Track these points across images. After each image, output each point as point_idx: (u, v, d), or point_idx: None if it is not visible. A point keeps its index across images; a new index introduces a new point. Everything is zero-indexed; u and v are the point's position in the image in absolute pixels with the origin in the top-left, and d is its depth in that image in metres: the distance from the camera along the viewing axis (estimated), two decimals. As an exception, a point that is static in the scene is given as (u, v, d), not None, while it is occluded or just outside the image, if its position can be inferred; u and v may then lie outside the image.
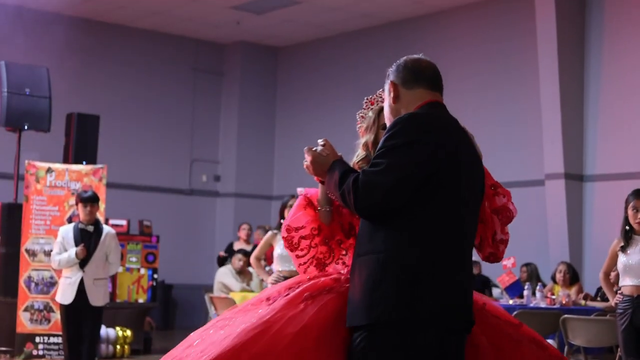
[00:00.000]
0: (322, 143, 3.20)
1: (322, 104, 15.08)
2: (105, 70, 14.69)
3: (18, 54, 12.23)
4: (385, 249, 2.93)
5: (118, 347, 10.46)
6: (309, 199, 3.43)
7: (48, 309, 9.61)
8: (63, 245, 7.92)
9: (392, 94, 3.18)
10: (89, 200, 7.93)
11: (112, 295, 10.60)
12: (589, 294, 9.67)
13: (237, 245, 12.68)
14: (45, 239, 9.57)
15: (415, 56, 3.23)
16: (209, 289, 11.90)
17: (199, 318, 13.15)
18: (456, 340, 2.99)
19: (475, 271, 11.43)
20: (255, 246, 9.90)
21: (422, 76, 3.16)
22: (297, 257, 3.42)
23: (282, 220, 7.53)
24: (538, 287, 9.36)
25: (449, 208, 2.96)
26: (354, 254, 3.09)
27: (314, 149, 3.19)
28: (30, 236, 9.63)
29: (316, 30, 14.85)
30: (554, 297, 9.23)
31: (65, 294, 7.84)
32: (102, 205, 9.27)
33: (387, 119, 3.22)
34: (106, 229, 8.12)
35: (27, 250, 9.60)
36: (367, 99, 3.62)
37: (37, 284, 9.59)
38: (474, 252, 3.22)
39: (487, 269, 11.60)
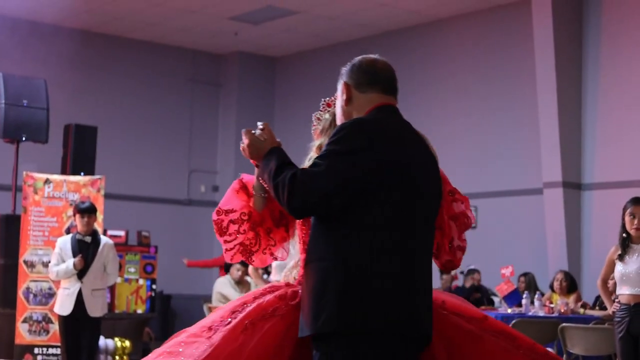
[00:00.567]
0: (261, 127, 3.12)
1: (320, 114, 15.07)
2: (103, 82, 14.71)
3: (15, 66, 12.25)
4: (329, 257, 2.86)
5: (117, 357, 10.45)
6: (243, 184, 3.33)
7: (47, 320, 9.59)
8: (61, 256, 7.92)
9: (344, 96, 3.12)
10: (87, 211, 7.93)
11: (111, 306, 10.59)
12: (587, 303, 9.67)
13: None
14: (44, 250, 9.56)
15: (371, 57, 3.15)
16: (208, 299, 11.88)
17: (197, 328, 13.12)
18: (411, 349, 2.90)
19: (474, 281, 11.43)
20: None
21: (376, 79, 3.08)
22: (225, 242, 3.31)
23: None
24: (536, 296, 9.34)
25: (395, 215, 2.88)
26: (304, 261, 3.01)
27: (252, 131, 3.11)
28: (29, 247, 9.62)
29: (314, 40, 14.87)
30: (552, 305, 9.22)
31: (63, 305, 7.84)
32: (100, 216, 9.27)
33: (339, 119, 3.16)
34: (104, 239, 8.12)
35: (25, 262, 9.59)
36: (324, 100, 3.53)
37: (35, 295, 9.57)
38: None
39: (486, 278, 11.61)
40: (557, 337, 8.00)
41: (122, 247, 10.72)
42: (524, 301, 9.23)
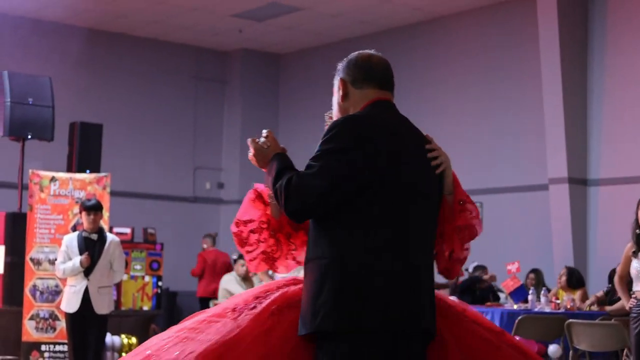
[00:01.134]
0: (265, 135, 3.13)
1: (324, 111, 15.04)
2: (108, 79, 14.72)
3: (20, 64, 12.27)
4: (327, 255, 2.86)
5: (123, 354, 10.46)
6: (258, 193, 3.34)
7: (53, 317, 9.61)
8: (67, 253, 7.93)
9: (340, 92, 3.12)
10: (93, 208, 7.94)
11: (117, 303, 10.60)
12: (601, 297, 9.35)
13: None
14: (50, 248, 9.57)
15: (367, 52, 3.15)
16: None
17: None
18: (413, 346, 2.89)
19: (485, 276, 11.28)
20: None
21: (371, 75, 3.08)
22: (247, 252, 3.32)
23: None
24: (543, 292, 9.32)
25: (389, 212, 2.88)
26: (304, 260, 3.01)
27: (257, 140, 3.12)
28: (35, 245, 9.64)
29: (317, 37, 14.87)
30: (558, 301, 9.20)
31: (70, 302, 7.85)
32: (106, 214, 9.27)
33: (335, 115, 3.17)
34: (110, 237, 8.13)
35: (32, 259, 9.61)
36: None
37: (42, 293, 9.59)
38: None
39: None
40: (564, 333, 7.99)
41: (128, 244, 10.72)
42: (530, 297, 9.22)
